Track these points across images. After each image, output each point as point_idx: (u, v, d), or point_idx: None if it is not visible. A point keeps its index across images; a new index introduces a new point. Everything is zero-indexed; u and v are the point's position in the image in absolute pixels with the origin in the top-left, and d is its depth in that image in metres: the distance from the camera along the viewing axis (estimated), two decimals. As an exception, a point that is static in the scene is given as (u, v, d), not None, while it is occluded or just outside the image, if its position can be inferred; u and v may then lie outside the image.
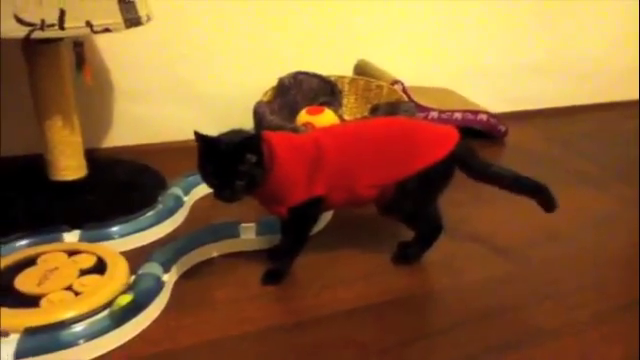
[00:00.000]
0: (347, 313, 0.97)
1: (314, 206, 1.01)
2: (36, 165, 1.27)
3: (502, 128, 1.78)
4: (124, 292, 0.92)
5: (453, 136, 1.03)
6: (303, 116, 1.43)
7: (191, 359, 0.87)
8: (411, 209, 1.05)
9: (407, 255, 1.10)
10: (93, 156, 1.37)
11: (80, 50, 1.14)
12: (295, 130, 1.33)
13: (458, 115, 1.71)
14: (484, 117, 1.74)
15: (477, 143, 1.70)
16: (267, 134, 0.97)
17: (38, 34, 1.00)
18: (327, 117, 1.42)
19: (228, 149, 0.90)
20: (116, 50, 1.54)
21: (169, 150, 1.61)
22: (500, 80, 1.99)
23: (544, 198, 1.05)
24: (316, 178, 0.98)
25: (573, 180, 1.52)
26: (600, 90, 2.17)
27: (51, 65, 1.18)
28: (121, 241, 1.12)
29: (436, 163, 1.00)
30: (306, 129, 1.36)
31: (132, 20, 1.11)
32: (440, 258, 1.11)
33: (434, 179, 1.03)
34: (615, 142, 1.83)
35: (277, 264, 1.05)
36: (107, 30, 1.07)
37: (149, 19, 1.19)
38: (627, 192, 1.44)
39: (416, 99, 1.65)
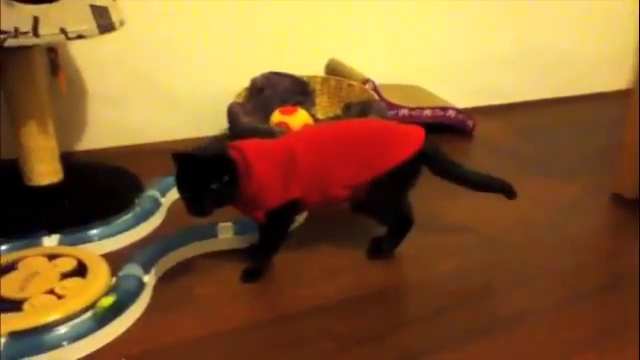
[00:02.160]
0: (325, 307, 1.00)
1: (291, 208, 1.05)
2: (11, 170, 1.27)
3: (470, 123, 1.83)
4: (106, 294, 0.94)
5: (419, 135, 1.07)
6: (277, 116, 1.46)
7: (174, 357, 0.89)
8: (382, 206, 1.09)
9: (380, 250, 1.13)
10: (68, 160, 1.37)
11: (54, 57, 1.15)
12: (269, 130, 1.36)
13: (428, 112, 1.76)
14: (452, 113, 1.79)
15: (447, 138, 1.77)
16: (239, 144, 1.01)
17: (12, 42, 1.01)
18: (301, 117, 1.45)
19: (199, 167, 0.94)
20: (89, 53, 1.55)
21: (144, 152, 1.63)
22: (467, 75, 2.05)
23: (506, 193, 1.13)
24: (291, 182, 1.02)
25: (539, 171, 1.58)
26: (566, 83, 2.24)
27: (25, 72, 1.18)
28: (100, 244, 1.13)
29: (404, 161, 1.04)
30: (280, 129, 1.40)
31: (105, 26, 1.13)
32: (413, 251, 1.15)
33: (403, 176, 1.07)
34: (580, 133, 1.90)
35: (256, 262, 1.08)
36: (81, 37, 1.09)
37: (122, 24, 1.20)
38: (591, 181, 1.50)
39: (386, 97, 1.69)
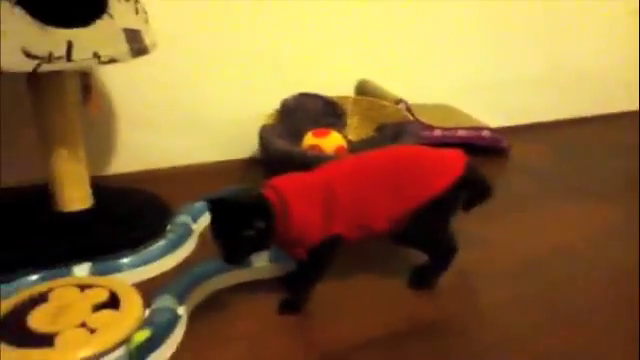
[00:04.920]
0: (366, 345, 0.94)
1: (332, 245, 1.00)
2: (40, 196, 1.25)
3: (505, 143, 1.78)
4: (140, 328, 0.90)
5: (460, 159, 1.03)
6: (309, 139, 1.42)
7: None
8: (424, 237, 1.04)
9: (423, 279, 1.08)
10: (97, 184, 1.35)
11: (87, 81, 1.13)
12: (303, 154, 1.32)
13: (462, 132, 1.71)
14: (487, 133, 1.74)
15: (481, 160, 1.71)
16: (275, 183, 0.97)
17: (46, 67, 0.99)
18: (333, 139, 1.41)
19: (232, 212, 0.90)
20: (117, 76, 1.53)
21: (174, 176, 1.60)
22: (500, 94, 2.00)
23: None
24: (331, 218, 0.97)
25: (578, 193, 1.51)
26: (602, 101, 2.18)
27: (57, 96, 1.16)
28: (131, 273, 1.10)
29: (446, 189, 1.00)
30: (313, 153, 1.36)
31: (138, 49, 1.10)
32: (457, 280, 1.10)
33: (446, 204, 1.02)
34: (619, 153, 1.83)
35: (294, 293, 1.03)
36: (114, 60, 1.06)
37: (154, 46, 1.18)
38: (631, 204, 1.43)
39: (419, 117, 1.65)
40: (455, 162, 1.02)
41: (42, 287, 1.00)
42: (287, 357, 0.92)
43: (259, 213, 0.91)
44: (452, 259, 1.07)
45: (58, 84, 1.15)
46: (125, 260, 1.11)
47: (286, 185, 0.96)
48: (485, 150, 1.75)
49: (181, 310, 0.97)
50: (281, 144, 1.36)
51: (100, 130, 1.56)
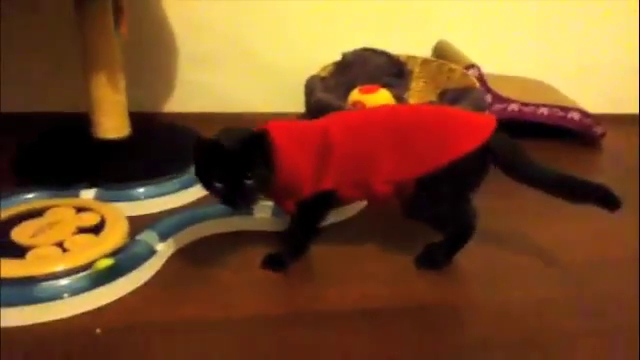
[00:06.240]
0: (349, 314, 0.85)
1: (323, 201, 0.90)
2: (84, 123, 1.27)
3: (598, 130, 1.54)
4: (109, 255, 0.87)
5: (487, 125, 0.86)
6: (355, 94, 1.31)
7: (160, 336, 0.80)
8: (434, 209, 0.90)
9: (433, 258, 0.95)
10: (147, 119, 1.35)
11: (119, 2, 1.11)
12: (340, 108, 1.22)
13: (544, 110, 1.50)
14: (576, 115, 1.51)
15: (567, 145, 1.50)
16: (267, 124, 0.88)
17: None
18: (380, 97, 1.29)
19: (234, 151, 0.81)
20: (186, 14, 1.52)
21: (225, 120, 1.56)
22: (604, 78, 1.73)
23: (603, 199, 0.85)
24: (324, 171, 0.87)
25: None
26: None
27: (98, 20, 1.17)
28: (139, 204, 1.09)
29: (463, 157, 0.84)
30: (355, 108, 1.25)
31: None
32: (475, 268, 0.96)
33: (462, 176, 0.87)
34: None
35: (282, 250, 0.95)
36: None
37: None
38: None
39: (495, 88, 1.47)
40: (479, 129, 0.86)
41: (43, 202, 1.02)
42: (253, 309, 0.86)
43: (258, 146, 0.82)
44: (466, 240, 0.93)
45: (99, 7, 1.15)
46: (134, 190, 1.10)
47: (278, 128, 0.87)
48: (575, 135, 1.53)
49: (160, 246, 0.93)
50: (322, 96, 1.27)
51: (159, 67, 1.56)
